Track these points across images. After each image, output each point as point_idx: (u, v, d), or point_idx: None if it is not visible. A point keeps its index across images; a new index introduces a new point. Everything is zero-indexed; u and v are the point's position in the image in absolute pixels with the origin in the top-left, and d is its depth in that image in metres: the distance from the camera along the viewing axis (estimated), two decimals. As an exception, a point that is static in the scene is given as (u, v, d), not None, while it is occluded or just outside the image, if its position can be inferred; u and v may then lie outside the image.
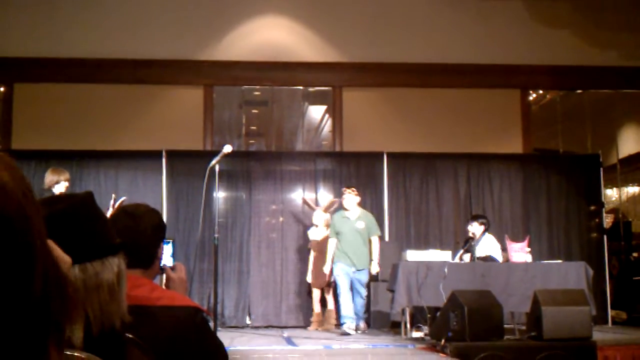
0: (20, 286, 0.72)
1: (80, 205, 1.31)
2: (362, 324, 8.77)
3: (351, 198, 8.80)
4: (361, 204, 9.02)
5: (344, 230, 8.73)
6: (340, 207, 8.95)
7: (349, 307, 8.49)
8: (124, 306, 1.40)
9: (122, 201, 8.60)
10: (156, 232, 2.16)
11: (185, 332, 1.97)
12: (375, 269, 8.78)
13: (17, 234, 0.72)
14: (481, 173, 10.30)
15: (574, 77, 11.07)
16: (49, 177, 7.19)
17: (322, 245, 9.02)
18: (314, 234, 9.28)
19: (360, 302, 8.73)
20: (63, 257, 0.92)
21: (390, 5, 10.83)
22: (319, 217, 9.28)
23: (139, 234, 2.08)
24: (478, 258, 8.03)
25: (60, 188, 7.15)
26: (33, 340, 0.74)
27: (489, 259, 8.04)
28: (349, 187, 8.87)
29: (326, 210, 9.38)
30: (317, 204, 9.78)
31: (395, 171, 10.13)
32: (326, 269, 8.80)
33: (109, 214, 8.19)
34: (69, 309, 0.81)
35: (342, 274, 8.61)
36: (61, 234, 1.17)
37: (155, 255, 2.16)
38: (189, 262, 9.55)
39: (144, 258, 2.11)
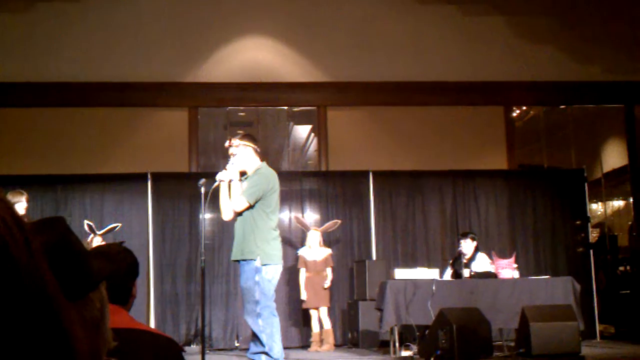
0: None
1: (63, 238, 1.26)
2: None
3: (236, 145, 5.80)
4: (260, 155, 5.96)
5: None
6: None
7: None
8: (109, 336, 1.40)
9: (113, 227, 8.54)
10: (130, 270, 2.25)
11: (167, 358, 1.99)
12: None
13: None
14: (467, 190, 10.32)
15: (557, 93, 11.14)
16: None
17: (318, 265, 8.98)
18: (308, 254, 9.17)
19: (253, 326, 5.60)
20: None
21: (372, 24, 10.89)
22: (314, 237, 9.19)
23: (115, 272, 2.13)
24: (477, 274, 8.01)
25: (19, 209, 7.08)
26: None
27: (487, 274, 8.01)
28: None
29: (324, 230, 9.31)
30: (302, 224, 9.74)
31: (381, 189, 10.13)
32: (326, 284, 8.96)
33: (96, 240, 8.16)
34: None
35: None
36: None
37: (130, 292, 2.25)
38: (176, 284, 9.52)
39: (121, 295, 2.18)
